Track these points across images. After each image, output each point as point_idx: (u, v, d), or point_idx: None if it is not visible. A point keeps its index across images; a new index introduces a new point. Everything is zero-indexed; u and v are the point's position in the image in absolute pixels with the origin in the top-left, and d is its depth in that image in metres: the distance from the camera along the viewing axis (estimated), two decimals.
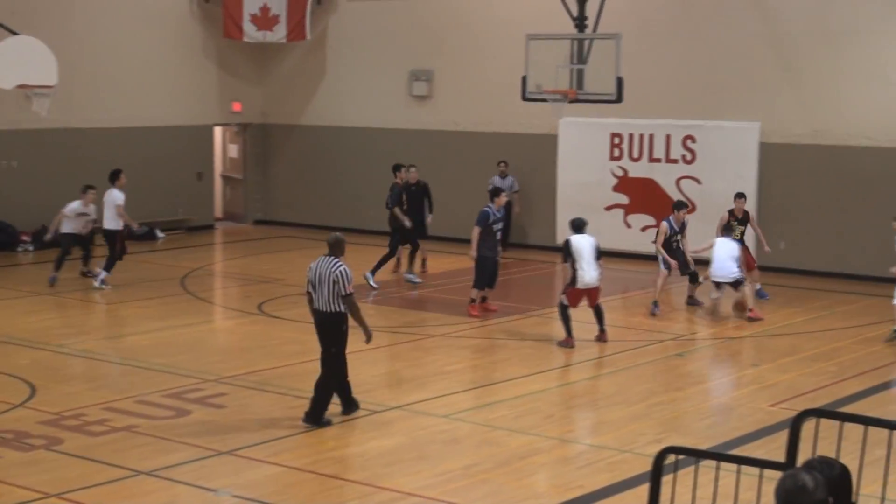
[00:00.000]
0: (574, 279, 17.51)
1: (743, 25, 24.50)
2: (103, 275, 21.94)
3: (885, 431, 6.92)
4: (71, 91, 26.19)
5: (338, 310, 13.15)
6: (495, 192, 19.79)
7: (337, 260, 13.23)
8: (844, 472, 5.58)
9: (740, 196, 21.33)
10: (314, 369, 15.82)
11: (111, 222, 22.12)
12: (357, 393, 14.25)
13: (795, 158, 24.08)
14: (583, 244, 17.54)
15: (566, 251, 17.63)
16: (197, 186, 30.15)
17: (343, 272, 13.07)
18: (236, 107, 30.91)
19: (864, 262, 23.39)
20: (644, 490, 6.94)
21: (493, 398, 14.73)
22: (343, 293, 13.07)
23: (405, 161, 24.93)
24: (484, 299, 19.82)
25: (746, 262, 20.75)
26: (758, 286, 20.90)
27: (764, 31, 24.34)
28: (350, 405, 13.72)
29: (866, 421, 7.04)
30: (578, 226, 17.84)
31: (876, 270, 23.00)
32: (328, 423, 13.33)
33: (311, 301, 13.39)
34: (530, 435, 13.08)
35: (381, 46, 29.32)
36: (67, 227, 22.20)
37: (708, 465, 6.90)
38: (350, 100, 29.91)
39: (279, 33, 29.63)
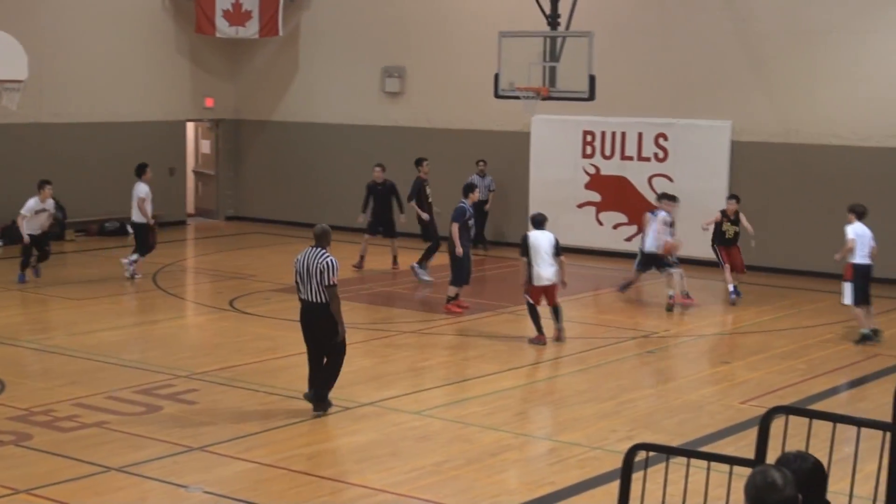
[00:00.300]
0: (530, 276, 17.52)
1: (715, 24, 24.58)
2: (135, 257, 22.52)
3: (854, 429, 6.95)
4: (41, 86, 26.07)
5: (325, 300, 13.31)
6: (470, 188, 19.94)
7: (324, 251, 13.45)
8: (818, 465, 5.62)
9: (731, 197, 21.48)
10: (286, 365, 15.86)
11: (138, 215, 22.63)
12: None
13: (767, 157, 24.18)
14: (540, 240, 17.51)
15: (523, 247, 17.66)
16: (169, 182, 30.02)
17: (330, 262, 13.29)
18: (209, 102, 30.84)
19: (833, 260, 23.46)
20: (615, 487, 6.96)
21: (464, 395, 14.75)
22: (327, 283, 13.24)
23: (378, 158, 24.94)
24: (456, 296, 19.84)
25: (734, 263, 20.84)
26: (731, 286, 20.89)
27: (736, 30, 24.43)
28: (325, 402, 13.74)
29: (835, 418, 7.08)
30: (538, 222, 17.85)
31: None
32: (326, 407, 13.65)
33: (298, 292, 13.58)
34: (501, 432, 13.10)
35: (353, 43, 29.29)
36: (28, 228, 21.74)
37: (678, 461, 6.93)
38: (322, 96, 29.87)
39: (251, 29, 29.57)
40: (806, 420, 7.15)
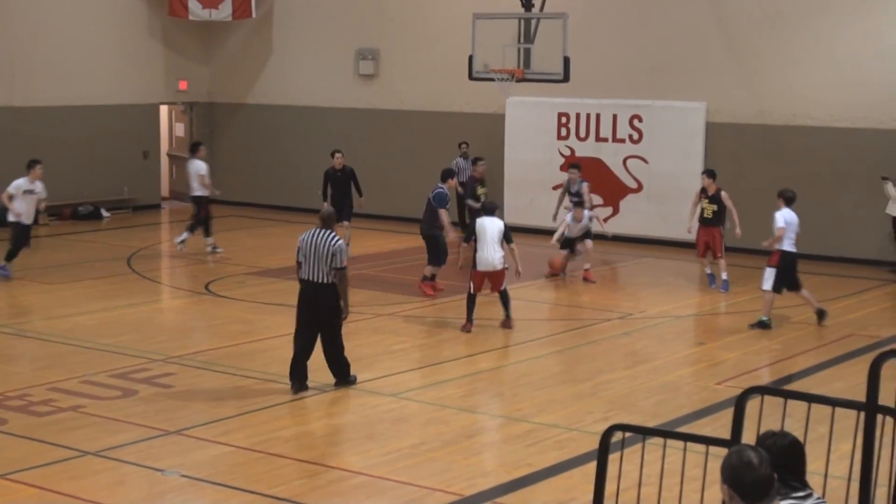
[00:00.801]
0: (474, 261, 17.31)
1: (690, 6, 24.61)
2: (186, 235, 23.27)
3: (829, 408, 6.99)
4: (13, 69, 25.96)
5: (331, 281, 13.50)
6: (449, 174, 20.23)
7: (333, 233, 13.64)
8: (795, 443, 5.68)
9: (704, 172, 20.91)
10: (262, 348, 15.84)
11: (197, 190, 23.43)
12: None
13: (741, 138, 24.24)
14: (486, 226, 17.23)
15: (469, 231, 17.48)
16: (143, 165, 29.94)
17: (342, 246, 13.56)
18: (182, 85, 30.72)
19: (808, 240, 23.51)
20: (592, 468, 6.98)
21: (440, 377, 14.77)
22: (339, 266, 13.47)
23: (352, 140, 24.83)
24: (433, 276, 19.85)
25: (709, 245, 20.47)
26: (724, 276, 20.55)
27: (710, 11, 24.45)
28: (304, 382, 13.80)
29: (810, 398, 7.11)
30: (490, 209, 17.66)
31: (820, 249, 23.23)
32: (354, 380, 14.02)
33: (300, 271, 13.73)
34: (478, 413, 13.13)
35: (327, 25, 29.21)
36: (19, 215, 20.56)
37: (655, 442, 6.96)
38: (296, 79, 29.80)
39: (225, 11, 29.45)
40: (781, 400, 7.19)
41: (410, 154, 28.07)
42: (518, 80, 22.65)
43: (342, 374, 14.01)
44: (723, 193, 20.46)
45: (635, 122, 25.21)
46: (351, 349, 15.94)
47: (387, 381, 14.42)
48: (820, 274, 22.01)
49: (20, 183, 20.73)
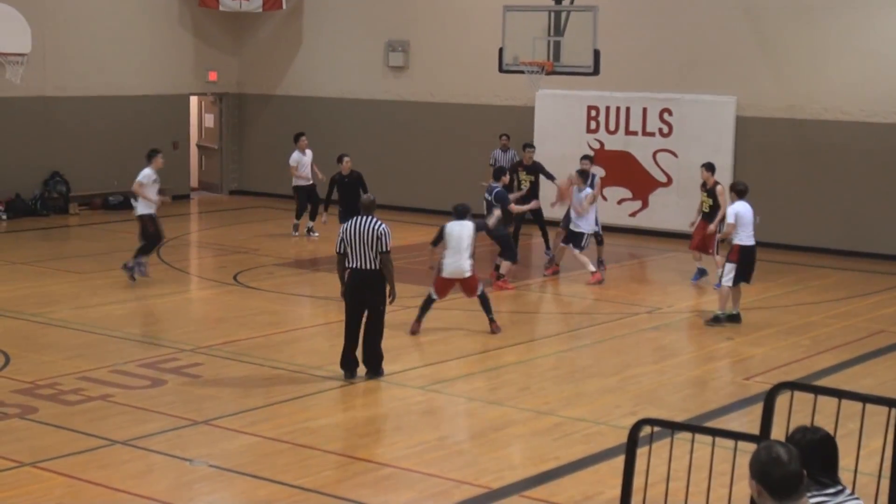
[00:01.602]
0: (441, 266, 16.56)
1: None
2: (311, 224, 24.29)
3: (859, 405, 6.95)
4: (45, 59, 26.06)
5: (376, 267, 13.67)
6: (502, 171, 19.92)
7: (376, 219, 13.78)
8: (828, 438, 5.62)
9: (703, 166, 20.48)
10: (290, 339, 15.88)
11: (306, 180, 24.55)
12: (334, 364, 14.28)
13: (771, 132, 24.13)
14: (454, 231, 16.39)
15: (438, 236, 16.73)
16: (173, 156, 29.93)
17: (386, 230, 13.72)
18: (212, 76, 30.79)
19: (839, 236, 23.50)
20: (619, 462, 6.97)
21: (468, 370, 14.76)
22: (384, 250, 13.61)
23: (381, 132, 24.79)
24: (500, 276, 19.81)
25: (702, 239, 20.02)
26: (719, 271, 20.07)
27: (740, 4, 24.34)
28: (355, 370, 14.01)
29: (840, 394, 7.08)
30: (461, 212, 16.61)
31: (850, 245, 23.16)
32: (382, 373, 14.06)
33: (342, 261, 13.81)
34: (506, 406, 13.12)
35: (357, 16, 29.22)
36: (144, 208, 19.92)
37: (683, 437, 6.93)
38: (326, 70, 29.83)
39: (255, 2, 29.50)
40: (811, 396, 7.15)
41: (440, 146, 28.06)
42: (548, 73, 22.63)
43: (375, 365, 14.04)
44: (717, 187, 19.97)
45: (665, 115, 25.13)
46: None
47: (415, 374, 14.43)
48: (850, 270, 21.94)
49: (149, 172, 20.21)
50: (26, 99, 26.49)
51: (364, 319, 13.88)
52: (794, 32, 23.80)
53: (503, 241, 19.54)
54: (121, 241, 23.35)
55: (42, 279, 20.16)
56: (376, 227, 13.65)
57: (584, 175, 20.58)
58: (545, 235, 22.33)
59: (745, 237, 17.07)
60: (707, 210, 20.06)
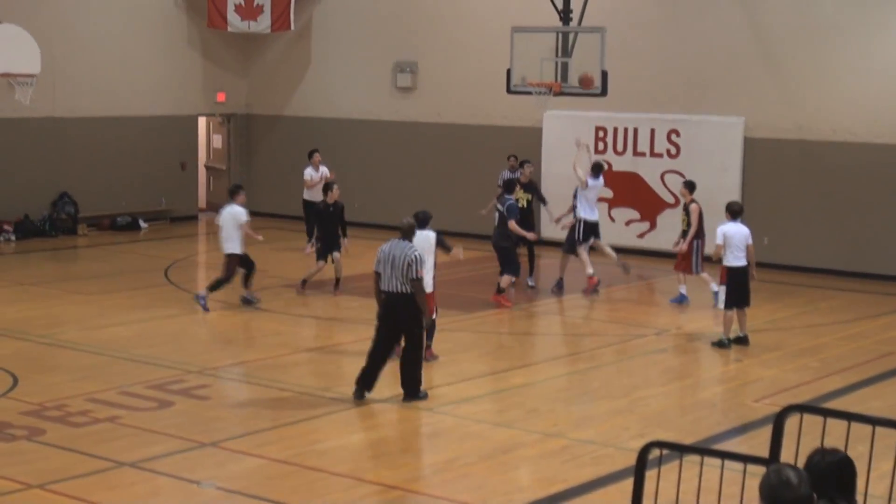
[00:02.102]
0: None
1: (727, 20, 24.51)
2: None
3: (868, 427, 6.93)
4: (54, 80, 26.11)
5: (408, 291, 13.67)
6: (513, 184, 20.57)
7: (411, 244, 13.86)
8: (846, 460, 5.56)
9: (683, 183, 20.73)
10: (298, 361, 15.86)
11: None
12: (342, 386, 14.27)
13: (779, 153, 24.11)
14: (424, 243, 15.50)
15: None
16: (180, 177, 30.06)
17: (418, 256, 13.70)
18: (220, 97, 30.84)
19: (848, 257, 23.45)
20: (628, 484, 6.94)
21: (476, 392, 14.72)
22: (414, 276, 13.60)
23: (389, 153, 24.77)
24: (502, 290, 19.99)
25: (682, 259, 20.03)
26: (713, 287, 19.85)
27: (748, 25, 24.36)
28: (365, 391, 13.95)
29: (849, 417, 7.05)
30: (423, 221, 15.72)
31: (859, 266, 23.11)
32: (425, 396, 13.96)
33: (377, 282, 13.86)
34: (514, 429, 13.08)
35: (365, 37, 29.27)
36: (237, 247, 19.46)
37: (692, 459, 6.90)
38: (334, 91, 29.86)
39: (263, 23, 29.56)
40: (820, 418, 7.12)
41: (448, 167, 28.07)
42: (556, 94, 22.63)
43: (413, 389, 14.00)
44: (692, 206, 20.00)
45: (673, 136, 25.12)
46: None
47: None
48: (859, 291, 21.89)
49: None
50: (35, 120, 26.56)
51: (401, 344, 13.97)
52: (802, 53, 23.79)
53: (505, 253, 19.59)
54: (129, 263, 23.42)
55: (50, 300, 20.17)
56: (408, 253, 13.70)
57: (597, 168, 21.41)
58: (532, 261, 22.01)
59: (732, 258, 16.89)
60: (686, 228, 20.10)
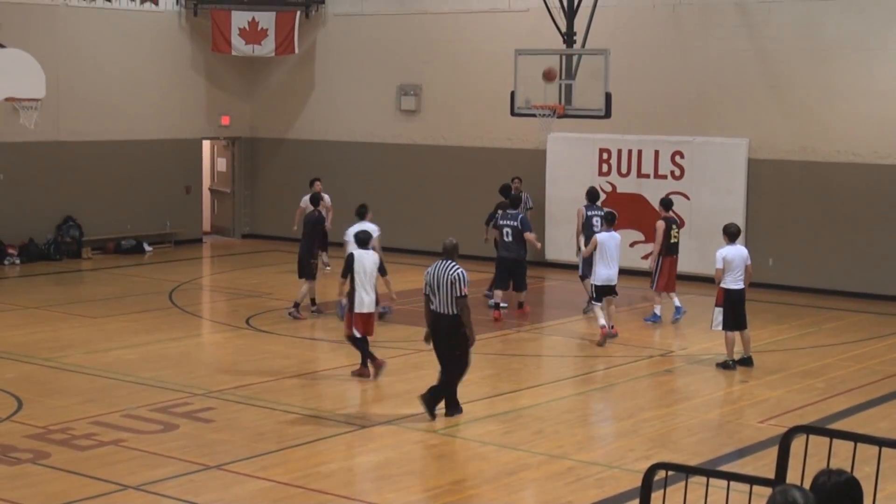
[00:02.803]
0: (353, 301, 15.81)
1: (731, 42, 24.55)
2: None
3: (875, 448, 6.91)
4: (59, 104, 26.18)
5: (454, 311, 13.77)
6: (519, 199, 21.58)
7: (454, 263, 13.93)
8: (852, 481, 5.52)
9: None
10: (302, 383, 15.84)
11: None
12: (347, 408, 14.27)
13: (783, 174, 24.11)
14: (365, 260, 15.91)
15: (348, 266, 15.88)
16: (185, 200, 30.11)
17: (460, 275, 13.79)
18: (225, 120, 30.90)
19: (853, 278, 23.43)
20: None
21: (481, 413, 14.69)
22: (458, 294, 13.71)
23: (394, 176, 24.78)
24: (521, 304, 20.90)
25: (673, 277, 20.37)
26: (661, 308, 20.47)
27: (752, 47, 24.39)
28: (454, 407, 14.16)
29: (856, 438, 7.03)
30: (362, 241, 16.03)
31: (864, 287, 23.08)
32: (461, 411, 14.22)
33: (428, 303, 13.93)
34: (519, 451, 13.06)
35: (369, 61, 29.33)
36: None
37: (697, 481, 6.89)
38: (338, 114, 29.91)
39: (267, 47, 29.64)
40: (826, 439, 7.11)
41: (452, 189, 28.09)
42: (559, 116, 22.66)
43: (454, 403, 14.17)
44: (658, 223, 20.49)
45: (677, 158, 25.14)
46: (391, 384, 15.97)
47: (427, 417, 14.35)
48: (865, 312, 21.86)
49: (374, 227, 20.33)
50: (40, 144, 26.61)
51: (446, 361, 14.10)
52: (805, 74, 23.82)
53: (524, 268, 19.78)
54: (133, 286, 23.42)
55: (55, 323, 20.18)
56: (451, 272, 13.80)
57: (610, 218, 19.82)
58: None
59: (730, 280, 16.91)
60: (676, 238, 20.56)
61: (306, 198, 24.38)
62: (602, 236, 19.25)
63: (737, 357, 17.18)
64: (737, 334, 17.11)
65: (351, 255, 16.04)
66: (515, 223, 20.62)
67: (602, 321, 18.56)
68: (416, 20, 28.60)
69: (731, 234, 17.12)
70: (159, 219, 29.36)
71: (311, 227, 21.00)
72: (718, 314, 17.05)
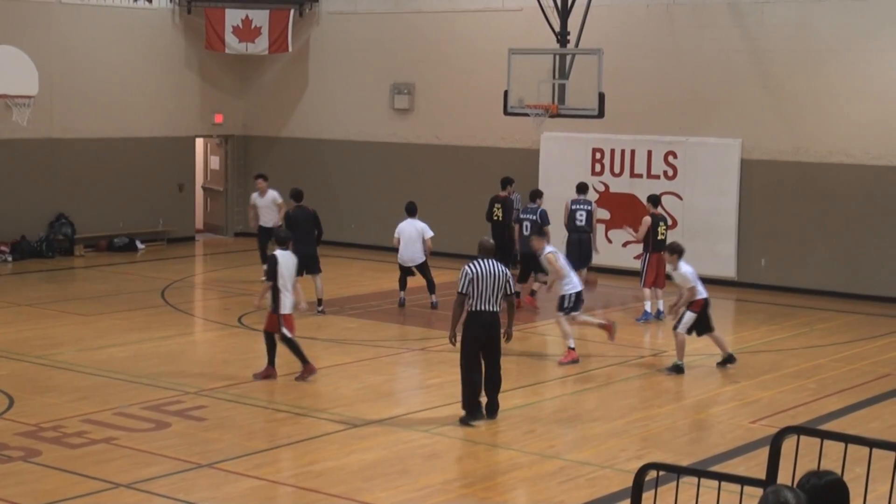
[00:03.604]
0: (278, 303, 15.65)
1: (724, 42, 24.57)
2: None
3: (866, 449, 6.92)
4: (51, 101, 26.14)
5: (498, 309, 13.90)
6: (538, 193, 22.01)
7: (498, 262, 14.00)
8: (837, 482, 5.53)
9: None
10: (294, 382, 15.81)
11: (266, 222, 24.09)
12: (338, 407, 14.26)
13: (776, 175, 24.14)
14: (289, 263, 15.82)
15: (271, 269, 15.65)
16: (178, 198, 30.08)
17: (511, 274, 13.94)
18: (218, 118, 30.88)
19: (845, 279, 23.46)
20: None
21: None
22: (509, 292, 13.94)
23: (387, 174, 24.79)
24: (533, 293, 21.38)
25: (661, 274, 20.51)
26: (660, 303, 20.74)
27: (745, 47, 24.41)
28: (481, 411, 14.11)
29: (846, 438, 7.04)
30: (283, 241, 16.00)
31: (856, 288, 23.12)
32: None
33: (461, 303, 13.87)
34: (511, 450, 13.06)
35: (362, 59, 29.32)
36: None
37: (689, 481, 6.89)
38: (332, 112, 29.90)
39: (261, 45, 29.62)
40: (817, 440, 7.11)
41: (445, 188, 28.09)
42: (552, 116, 22.69)
43: (494, 407, 14.20)
44: (644, 218, 21.01)
45: (670, 158, 25.16)
46: (383, 383, 15.98)
47: (420, 416, 14.37)
48: (856, 313, 21.89)
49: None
50: (32, 141, 26.58)
51: (487, 359, 14.06)
52: (799, 75, 23.84)
53: (532, 259, 19.87)
54: (126, 284, 23.38)
55: (47, 321, 20.16)
56: (504, 270, 13.93)
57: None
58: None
59: (702, 289, 17.09)
60: (664, 236, 20.72)
61: (256, 195, 24.07)
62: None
63: (721, 360, 17.30)
64: (706, 337, 17.30)
65: (274, 257, 15.76)
66: (535, 217, 21.23)
67: (572, 342, 17.62)
68: (409, 19, 28.60)
69: (681, 252, 17.39)
70: (152, 216, 29.34)
71: (310, 223, 21.03)
72: (690, 319, 17.01)
